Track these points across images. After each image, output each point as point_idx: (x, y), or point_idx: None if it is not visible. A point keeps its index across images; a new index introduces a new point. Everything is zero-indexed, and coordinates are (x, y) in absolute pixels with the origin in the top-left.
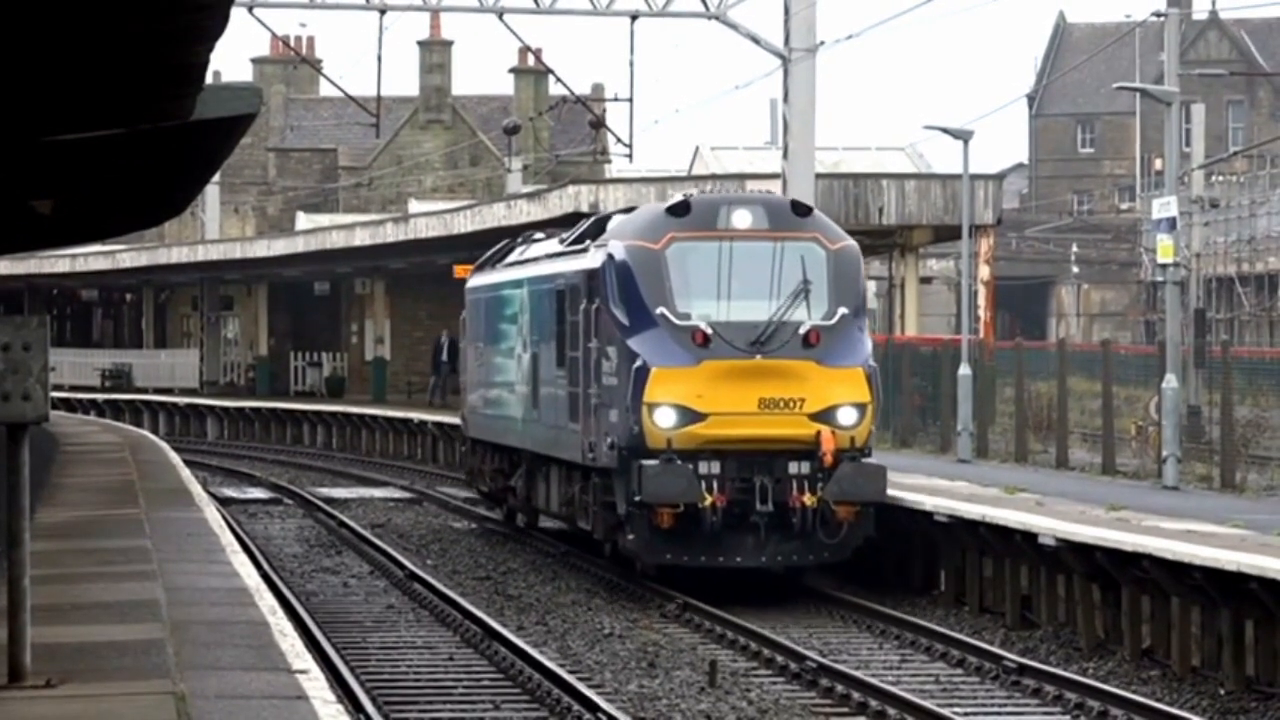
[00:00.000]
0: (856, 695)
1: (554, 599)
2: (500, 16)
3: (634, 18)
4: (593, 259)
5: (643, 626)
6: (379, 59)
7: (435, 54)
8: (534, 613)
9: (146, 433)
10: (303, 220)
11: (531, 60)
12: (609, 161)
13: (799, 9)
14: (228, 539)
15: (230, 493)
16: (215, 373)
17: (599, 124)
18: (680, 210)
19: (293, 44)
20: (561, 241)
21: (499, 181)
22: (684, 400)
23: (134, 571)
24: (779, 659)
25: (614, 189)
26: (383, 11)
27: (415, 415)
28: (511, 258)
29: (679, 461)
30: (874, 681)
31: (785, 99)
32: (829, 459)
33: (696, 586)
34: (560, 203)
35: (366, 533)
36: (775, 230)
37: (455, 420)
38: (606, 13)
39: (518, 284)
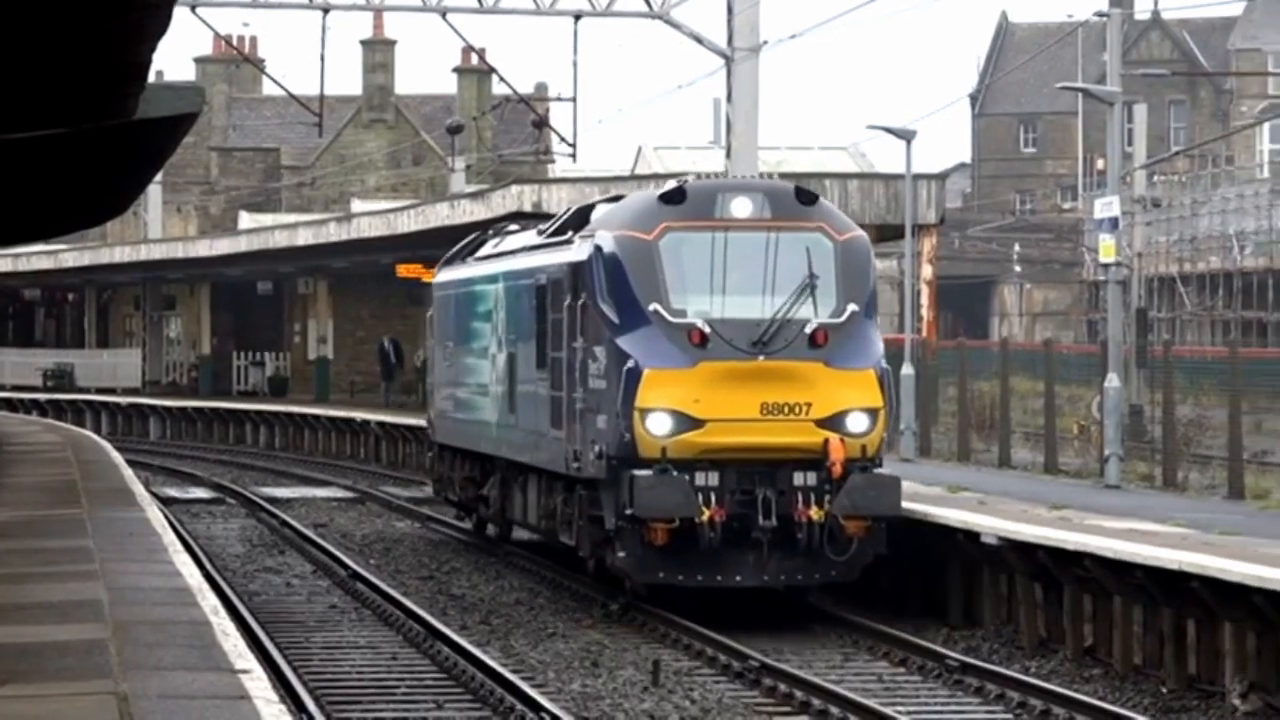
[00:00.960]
0: (799, 694)
1: (497, 598)
2: (444, 16)
3: (577, 17)
4: (578, 251)
5: (586, 626)
6: (322, 58)
7: (378, 53)
8: (477, 612)
9: (89, 432)
10: (245, 220)
11: (475, 60)
12: (552, 161)
13: (742, 9)
14: (170, 539)
15: (173, 492)
16: (158, 372)
17: (542, 123)
18: (674, 197)
19: (235, 43)
20: (540, 233)
21: (442, 181)
22: (679, 405)
23: (76, 571)
24: (722, 658)
25: (557, 189)
26: (326, 11)
27: (358, 415)
28: (484, 250)
29: (674, 472)
30: (817, 680)
31: (728, 98)
32: (838, 469)
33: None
34: (503, 202)
35: (309, 532)
36: (778, 219)
37: (399, 420)
38: (550, 12)
39: (492, 278)
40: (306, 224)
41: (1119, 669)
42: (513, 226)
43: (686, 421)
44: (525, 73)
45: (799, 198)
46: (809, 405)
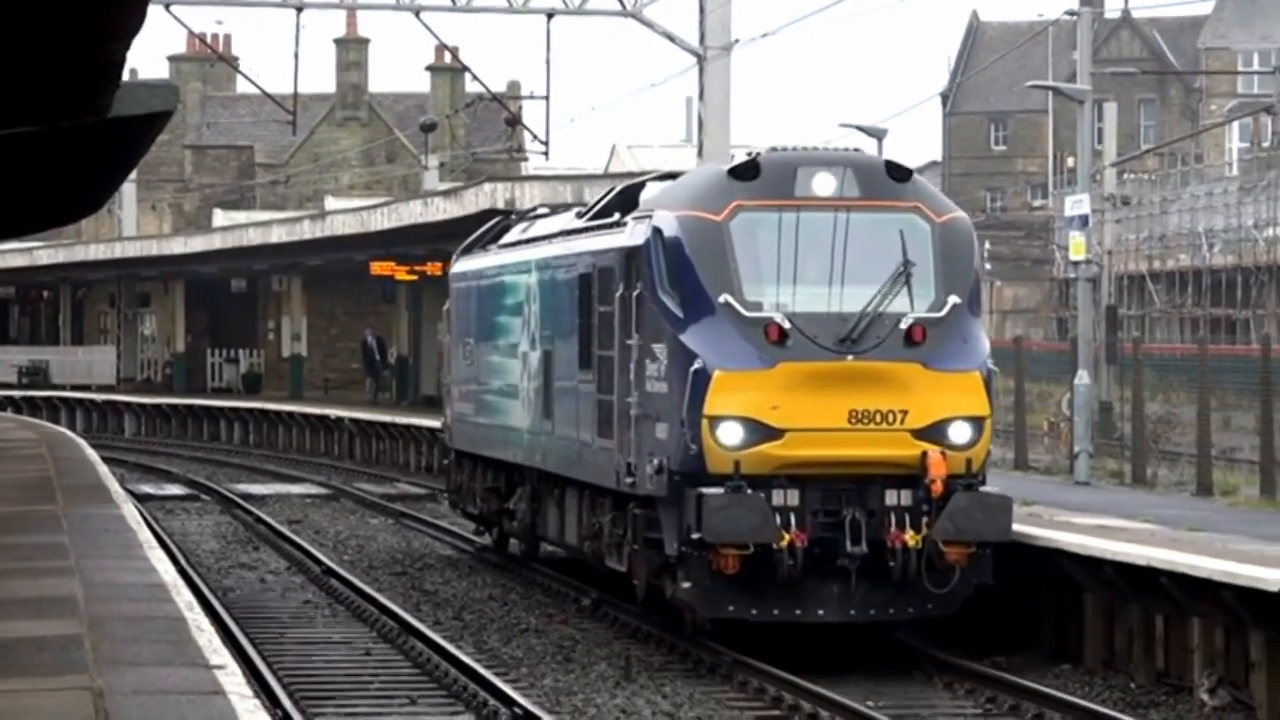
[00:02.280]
0: (771, 689)
1: (470, 594)
2: (417, 14)
3: (550, 15)
4: (632, 235)
5: (559, 621)
6: (295, 56)
7: (352, 51)
8: (450, 608)
9: (64, 429)
10: (219, 217)
11: (448, 58)
12: (525, 159)
13: (714, 7)
14: (145, 535)
15: (148, 489)
16: (132, 369)
17: (515, 121)
18: (747, 172)
19: (209, 41)
20: (580, 215)
21: (415, 179)
22: (754, 413)
23: (52, 568)
24: (694, 653)
25: (530, 186)
26: (299, 9)
27: (332, 411)
28: (510, 237)
29: (749, 490)
30: (786, 675)
31: (700, 97)
32: (939, 487)
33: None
34: (476, 200)
35: (284, 529)
36: (867, 198)
37: (373, 417)
38: (523, 10)
39: (522, 267)
40: (280, 221)
41: (1088, 664)
42: (542, 209)
43: (763, 431)
44: (498, 71)
45: (890, 173)
46: (904, 413)
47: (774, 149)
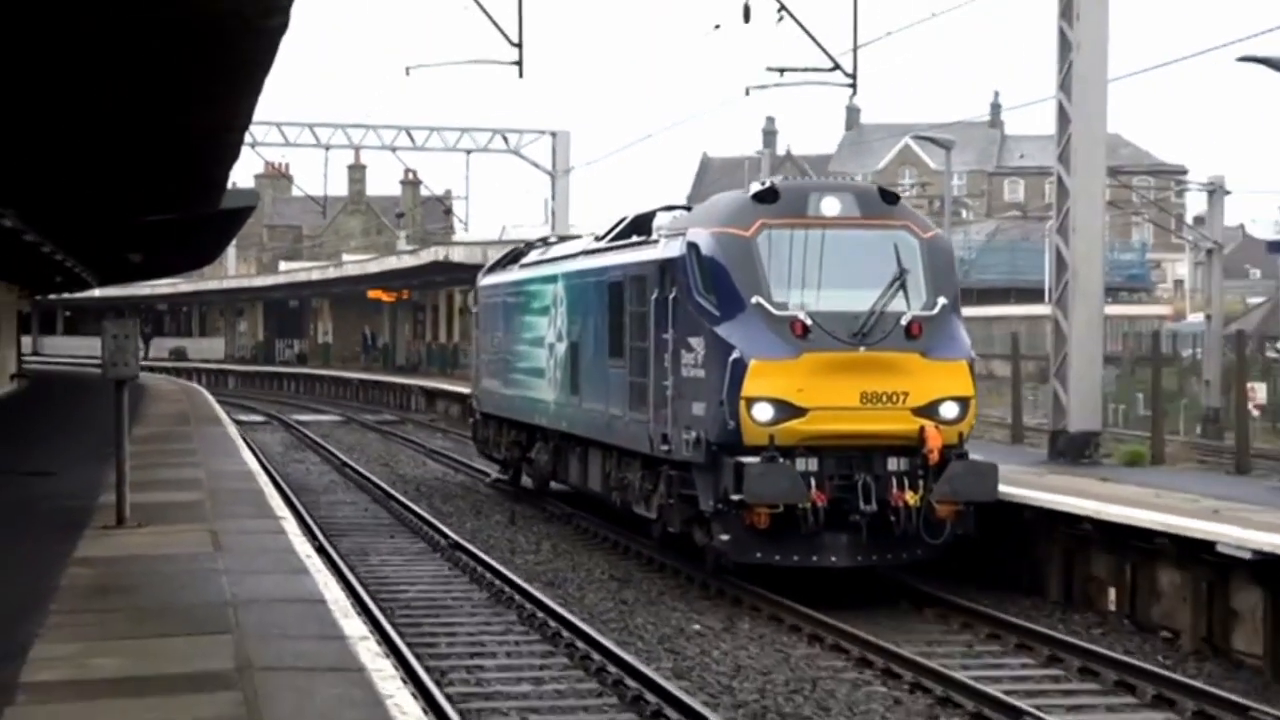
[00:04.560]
0: (788, 620)
1: (424, 478)
2: (394, 151)
3: (469, 153)
4: (667, 249)
5: (476, 492)
6: (325, 175)
7: (356, 172)
8: (413, 484)
9: (196, 385)
10: (283, 266)
11: (410, 176)
12: (454, 232)
13: (560, 148)
14: (240, 443)
15: (241, 417)
16: (233, 351)
17: (448, 211)
18: (768, 197)
19: (277, 166)
20: (597, 239)
21: (392, 245)
22: (784, 394)
23: (187, 462)
24: (561, 509)
25: (456, 248)
26: (327, 149)
27: (346, 374)
28: (530, 257)
29: (780, 459)
30: (806, 610)
31: (553, 198)
32: (935, 456)
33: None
34: (426, 256)
35: (318, 439)
36: (866, 217)
37: (370, 377)
38: (454, 149)
39: (549, 279)
40: (317, 268)
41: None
42: (553, 238)
43: (790, 410)
44: (440, 181)
45: (883, 198)
46: (906, 394)
47: (786, 179)
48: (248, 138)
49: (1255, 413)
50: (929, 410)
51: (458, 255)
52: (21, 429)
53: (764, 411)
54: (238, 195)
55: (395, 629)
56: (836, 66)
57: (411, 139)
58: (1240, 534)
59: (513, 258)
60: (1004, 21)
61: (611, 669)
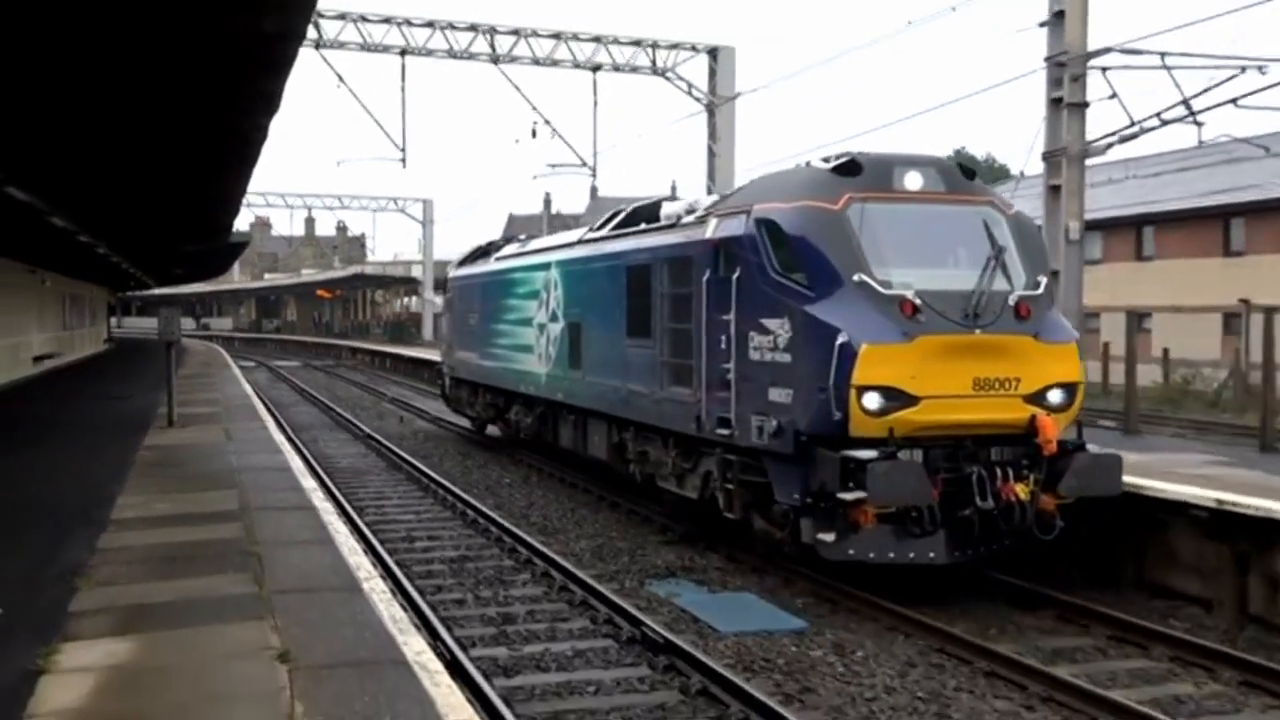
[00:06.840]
0: (559, 473)
1: (351, 394)
2: (330, 209)
3: (375, 214)
4: (724, 228)
5: (450, 434)
6: (290, 224)
7: (310, 222)
8: (343, 401)
9: (216, 346)
10: (266, 276)
11: (341, 224)
12: (365, 257)
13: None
14: (242, 379)
15: (243, 363)
16: (238, 325)
17: (362, 245)
18: (851, 169)
19: (262, 218)
20: (592, 229)
21: (331, 264)
22: (896, 381)
23: (210, 389)
24: (454, 427)
25: (367, 265)
26: (291, 208)
27: (304, 339)
28: (508, 251)
29: (900, 455)
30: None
31: (423, 234)
32: (1052, 447)
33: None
34: (350, 270)
35: (291, 378)
36: (950, 192)
37: (318, 340)
38: (355, 207)
39: (540, 266)
40: (286, 278)
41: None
42: (522, 235)
43: (902, 398)
44: (358, 226)
45: (964, 172)
46: (1018, 380)
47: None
48: (245, 201)
49: None
50: (1038, 397)
51: (369, 270)
52: (111, 371)
53: (874, 400)
54: (238, 235)
55: (334, 485)
56: (585, 164)
57: (340, 202)
58: None
59: (483, 253)
60: (694, 133)
61: (467, 512)
